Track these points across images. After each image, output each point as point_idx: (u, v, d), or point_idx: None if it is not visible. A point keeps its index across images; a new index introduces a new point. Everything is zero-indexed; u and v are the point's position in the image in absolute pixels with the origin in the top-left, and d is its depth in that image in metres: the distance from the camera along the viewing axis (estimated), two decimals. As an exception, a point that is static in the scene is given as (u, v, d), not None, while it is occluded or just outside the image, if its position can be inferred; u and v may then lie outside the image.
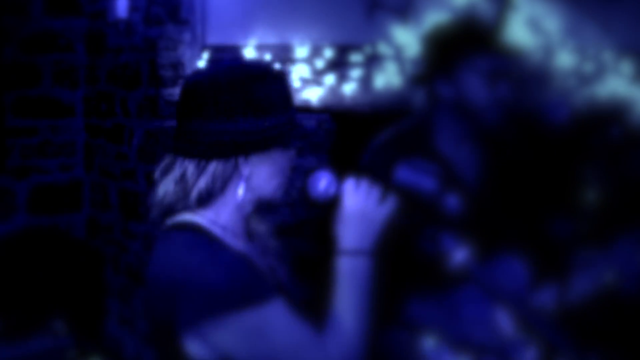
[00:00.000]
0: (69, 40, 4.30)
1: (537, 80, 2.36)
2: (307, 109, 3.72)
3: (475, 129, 2.18)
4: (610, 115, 2.40)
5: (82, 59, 4.34)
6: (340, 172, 1.81)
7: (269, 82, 1.66)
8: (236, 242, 1.69)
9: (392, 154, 2.08)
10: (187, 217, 1.68)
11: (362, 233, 1.70)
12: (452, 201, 1.92)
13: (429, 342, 2.14)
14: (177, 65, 3.68)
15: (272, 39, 3.72)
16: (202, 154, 1.64)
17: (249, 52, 3.68)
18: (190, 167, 1.65)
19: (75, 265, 4.26)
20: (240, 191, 1.68)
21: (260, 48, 3.69)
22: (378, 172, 1.78)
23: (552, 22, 2.47)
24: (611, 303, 2.16)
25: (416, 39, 2.32)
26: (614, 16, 2.89)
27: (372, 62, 3.69)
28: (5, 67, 4.14)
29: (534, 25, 2.38)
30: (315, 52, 3.75)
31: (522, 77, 2.22)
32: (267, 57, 3.69)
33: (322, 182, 1.71)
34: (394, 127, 2.31)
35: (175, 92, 3.67)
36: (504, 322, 2.13)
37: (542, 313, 2.01)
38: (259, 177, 1.69)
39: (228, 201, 1.69)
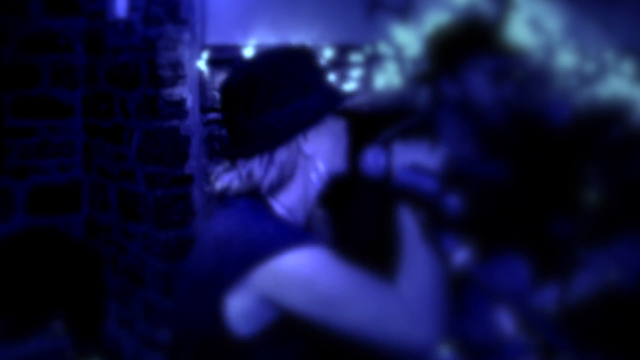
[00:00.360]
0: (68, 40, 4.30)
1: (538, 80, 2.36)
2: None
3: (478, 129, 2.19)
4: (611, 115, 2.41)
5: (81, 59, 4.34)
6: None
7: (302, 59, 1.71)
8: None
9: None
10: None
11: None
12: (453, 201, 1.92)
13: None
14: (176, 65, 3.68)
15: (271, 38, 3.72)
16: (264, 149, 1.64)
17: (249, 52, 3.68)
18: (254, 165, 1.65)
19: (74, 265, 4.27)
20: (315, 171, 1.70)
21: (260, 48, 3.69)
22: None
23: (553, 22, 2.47)
24: (613, 303, 2.17)
25: (416, 38, 2.33)
26: (615, 16, 2.89)
27: (372, 62, 3.69)
28: (4, 67, 4.14)
29: (535, 25, 2.38)
30: (315, 52, 3.75)
31: (524, 76, 2.22)
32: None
33: (372, 157, 1.73)
34: (397, 126, 2.31)
35: (174, 92, 3.67)
36: (505, 322, 2.13)
37: (543, 313, 2.01)
38: (323, 151, 1.71)
39: (297, 185, 1.70)
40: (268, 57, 1.69)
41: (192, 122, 3.71)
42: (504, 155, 2.21)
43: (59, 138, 4.34)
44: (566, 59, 2.56)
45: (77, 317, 4.26)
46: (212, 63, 3.68)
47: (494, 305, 2.10)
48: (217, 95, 3.69)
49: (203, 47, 3.69)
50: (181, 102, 3.69)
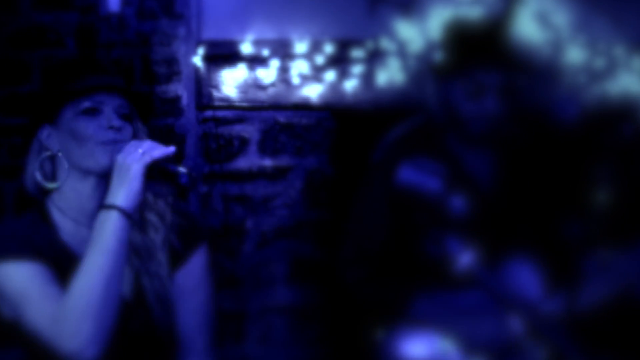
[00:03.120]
0: (59, 35, 4.29)
1: (546, 76, 2.35)
2: (306, 107, 3.72)
3: (487, 129, 2.19)
4: (621, 113, 2.40)
5: (73, 55, 4.33)
6: (341, 171, 1.82)
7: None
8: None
9: (404, 151, 2.08)
10: None
11: (117, 186, 1.78)
12: (458, 202, 1.92)
13: (437, 344, 2.14)
14: (171, 61, 3.68)
15: (270, 33, 3.71)
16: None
17: (246, 48, 3.68)
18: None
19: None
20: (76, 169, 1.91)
21: (258, 43, 3.69)
22: (390, 170, 1.78)
23: (562, 17, 2.46)
24: (624, 310, 2.16)
25: (420, 33, 2.32)
26: (626, 10, 2.89)
27: (374, 58, 3.69)
28: (-8, 63, 4.14)
29: (543, 19, 2.37)
30: (315, 47, 3.74)
31: (530, 74, 2.22)
32: (265, 52, 3.68)
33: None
34: (406, 124, 2.31)
35: (169, 89, 3.67)
36: (513, 327, 2.13)
37: (552, 319, 2.01)
38: (66, 150, 1.90)
39: (63, 184, 1.93)
40: None
41: (188, 120, 3.71)
42: (512, 155, 2.21)
43: (50, 136, 4.33)
44: (575, 55, 2.56)
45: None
46: (209, 59, 3.68)
47: (502, 310, 2.10)
48: (213, 92, 3.69)
49: (199, 42, 3.69)
50: (176, 100, 3.69)
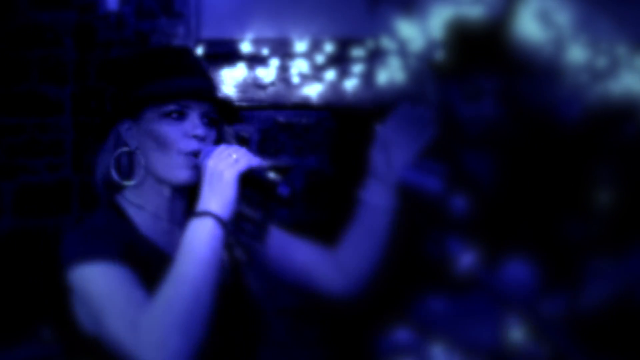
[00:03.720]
0: (56, 34, 4.29)
1: (547, 76, 2.35)
2: (306, 106, 3.72)
3: (488, 130, 2.19)
4: (624, 112, 2.40)
5: (71, 54, 4.33)
6: (342, 170, 1.81)
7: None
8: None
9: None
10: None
11: (210, 193, 1.68)
12: (459, 203, 1.92)
13: (436, 345, 2.14)
14: (170, 60, 3.68)
15: (269, 32, 3.71)
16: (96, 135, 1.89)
17: (246, 47, 3.68)
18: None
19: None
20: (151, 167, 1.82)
21: (257, 42, 3.69)
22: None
23: (564, 15, 2.46)
24: (624, 310, 2.16)
25: (421, 32, 2.32)
26: (628, 8, 2.88)
27: (375, 57, 3.69)
28: (-11, 63, 4.14)
29: (545, 18, 2.37)
30: (315, 46, 3.74)
31: (531, 76, 2.22)
32: (265, 51, 3.68)
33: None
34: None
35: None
36: (513, 329, 2.13)
37: (553, 320, 2.01)
38: (144, 149, 1.80)
39: (141, 180, 1.83)
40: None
41: (187, 120, 3.71)
42: (513, 155, 2.21)
43: (48, 136, 4.33)
44: (577, 54, 2.56)
45: (66, 324, 4.25)
46: (208, 58, 3.68)
47: (502, 310, 2.10)
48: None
49: (198, 41, 3.69)
50: (175, 99, 3.68)
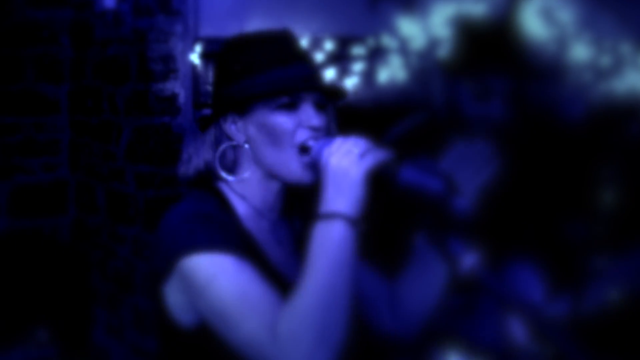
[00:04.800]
0: (53, 32, 4.30)
1: (550, 74, 2.36)
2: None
3: (492, 129, 2.20)
4: (628, 111, 2.40)
5: (67, 52, 4.33)
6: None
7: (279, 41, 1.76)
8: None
9: (405, 150, 2.08)
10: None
11: (336, 193, 1.58)
12: (461, 203, 1.92)
13: (437, 347, 2.15)
14: (168, 58, 3.68)
15: (269, 30, 3.71)
16: (200, 126, 1.81)
17: (245, 45, 3.68)
18: (203, 146, 1.79)
19: (60, 270, 4.26)
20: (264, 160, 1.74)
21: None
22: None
23: (567, 13, 2.46)
24: (629, 312, 2.16)
25: (422, 30, 2.32)
26: (633, 6, 2.88)
27: (376, 55, 3.69)
28: (-15, 61, 4.14)
29: (548, 15, 2.37)
30: (315, 44, 3.74)
31: (535, 72, 2.23)
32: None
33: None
34: (407, 122, 2.31)
35: (166, 87, 3.67)
36: (516, 332, 2.13)
37: (556, 322, 2.01)
38: (256, 144, 1.72)
39: (248, 172, 1.74)
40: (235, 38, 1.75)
41: (185, 119, 3.71)
42: (516, 155, 2.21)
43: (44, 136, 4.34)
44: (580, 52, 2.56)
45: (63, 325, 4.26)
46: (206, 56, 3.68)
47: (505, 313, 2.10)
48: (211, 90, 3.69)
49: (196, 39, 3.69)
50: (173, 98, 3.69)
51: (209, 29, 3.71)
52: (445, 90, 2.28)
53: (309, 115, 1.70)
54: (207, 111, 3.71)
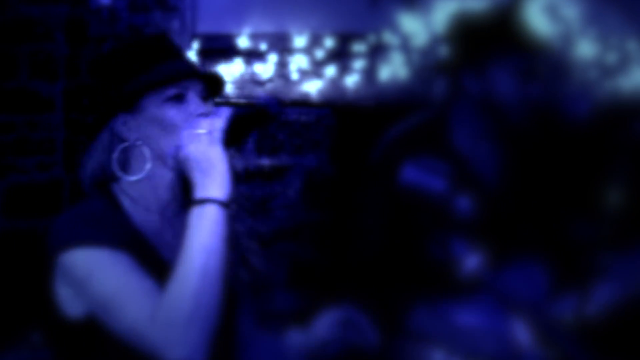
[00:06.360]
0: (47, 28, 4.30)
1: (555, 72, 2.36)
2: (305, 103, 3.72)
3: (497, 126, 2.20)
4: (634, 109, 2.40)
5: (62, 49, 4.33)
6: (342, 170, 1.82)
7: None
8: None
9: (406, 149, 2.09)
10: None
11: (204, 178, 1.71)
12: (464, 203, 1.92)
13: (438, 354, 2.15)
14: (164, 55, 3.68)
15: (267, 27, 3.72)
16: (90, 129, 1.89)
17: (243, 42, 3.69)
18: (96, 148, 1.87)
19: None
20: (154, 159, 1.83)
21: (255, 37, 3.69)
22: (391, 169, 1.77)
23: (572, 9, 2.47)
24: (634, 315, 2.17)
25: (424, 27, 2.32)
26: (639, 2, 2.89)
27: (377, 52, 3.69)
28: (-22, 58, 4.14)
29: (552, 12, 2.38)
30: (315, 41, 3.75)
31: (544, 70, 2.23)
32: (263, 46, 3.69)
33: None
34: (408, 121, 2.32)
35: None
36: (520, 333, 2.13)
37: (561, 324, 2.01)
38: (146, 138, 1.81)
39: (139, 173, 1.83)
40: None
41: (182, 117, 3.72)
42: (520, 154, 2.21)
43: (38, 134, 4.33)
44: (586, 49, 2.56)
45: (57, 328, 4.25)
46: (204, 53, 3.68)
47: (508, 315, 2.10)
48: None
49: (193, 36, 3.69)
50: (170, 96, 3.69)
51: (206, 26, 3.71)
52: (449, 89, 2.28)
53: (197, 105, 1.81)
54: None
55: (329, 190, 3.67)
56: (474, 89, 2.20)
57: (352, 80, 3.73)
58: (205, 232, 1.66)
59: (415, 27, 2.52)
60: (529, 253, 2.17)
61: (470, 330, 2.14)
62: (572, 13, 2.45)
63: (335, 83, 3.73)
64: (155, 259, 1.77)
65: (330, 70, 3.74)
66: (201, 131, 1.74)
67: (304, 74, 3.73)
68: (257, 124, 1.81)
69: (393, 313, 2.21)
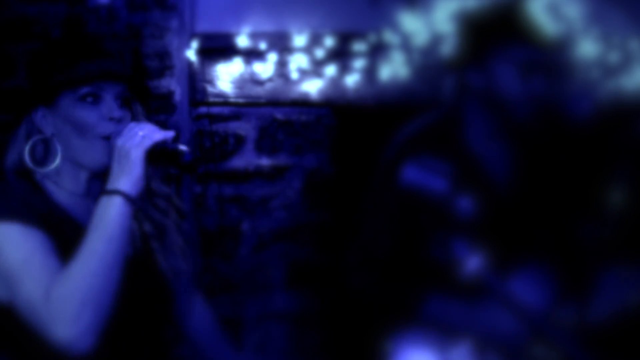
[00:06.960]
0: (45, 27, 4.29)
1: (558, 71, 2.36)
2: (305, 103, 3.72)
3: (505, 125, 2.19)
4: (637, 109, 2.40)
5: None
6: (342, 170, 1.82)
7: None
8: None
9: (411, 150, 2.08)
10: None
11: (119, 172, 1.80)
12: (466, 203, 1.92)
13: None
14: (163, 54, 3.68)
15: (267, 26, 3.71)
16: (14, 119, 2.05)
17: (242, 41, 3.68)
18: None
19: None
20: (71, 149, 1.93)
21: (255, 36, 3.69)
22: (397, 170, 1.77)
23: (574, 8, 2.47)
24: (638, 320, 2.16)
25: (425, 26, 2.32)
26: (642, 1, 2.89)
27: (377, 51, 3.69)
28: (-25, 57, 4.14)
29: (555, 11, 2.38)
30: (315, 40, 3.74)
31: (549, 68, 2.23)
32: (262, 45, 3.68)
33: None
34: (419, 121, 2.31)
35: (161, 84, 3.68)
36: (523, 336, 2.13)
37: (564, 328, 2.01)
38: (62, 135, 1.90)
39: (60, 161, 1.92)
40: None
41: (181, 117, 3.71)
42: (527, 153, 2.21)
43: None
44: (588, 48, 2.56)
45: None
46: (203, 52, 3.68)
47: (510, 316, 2.10)
48: (208, 87, 3.69)
49: (192, 35, 3.69)
50: (169, 95, 3.69)
51: (205, 25, 3.71)
52: (454, 89, 2.27)
53: (111, 107, 1.87)
54: (203, 110, 3.73)
55: (329, 190, 3.67)
56: (479, 85, 2.19)
57: (352, 80, 3.73)
58: (109, 220, 1.75)
59: (415, 26, 2.52)
60: (533, 255, 2.17)
61: (481, 321, 2.14)
62: (574, 12, 2.45)
63: (336, 82, 3.73)
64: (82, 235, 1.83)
65: (331, 70, 3.73)
66: (140, 133, 1.80)
67: (304, 74, 3.73)
68: (170, 162, 1.86)
69: (404, 306, 2.21)
